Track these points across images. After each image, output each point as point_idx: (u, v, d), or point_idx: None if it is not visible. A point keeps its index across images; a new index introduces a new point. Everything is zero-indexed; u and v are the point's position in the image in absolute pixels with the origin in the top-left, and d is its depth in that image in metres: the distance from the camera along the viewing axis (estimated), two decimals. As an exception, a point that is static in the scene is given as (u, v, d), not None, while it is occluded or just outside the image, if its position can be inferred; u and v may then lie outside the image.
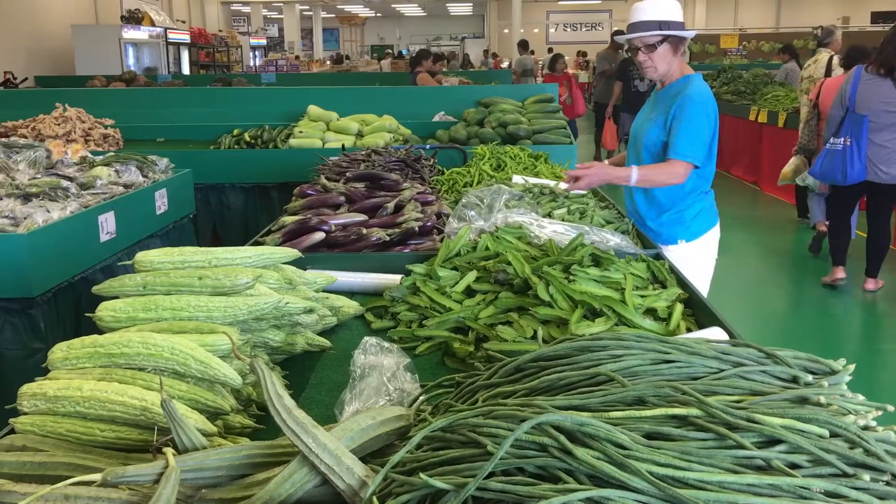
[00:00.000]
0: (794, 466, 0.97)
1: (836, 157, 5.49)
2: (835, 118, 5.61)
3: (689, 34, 2.97)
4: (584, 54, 24.89)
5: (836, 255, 5.96)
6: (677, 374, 1.16)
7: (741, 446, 0.97)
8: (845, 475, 0.97)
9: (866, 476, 0.96)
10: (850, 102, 5.48)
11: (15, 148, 4.00)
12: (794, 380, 1.16)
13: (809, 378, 1.16)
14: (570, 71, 13.55)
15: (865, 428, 1.07)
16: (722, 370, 1.17)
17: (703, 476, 0.92)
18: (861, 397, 1.15)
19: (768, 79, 11.50)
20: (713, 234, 3.16)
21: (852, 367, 1.21)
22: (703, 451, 0.97)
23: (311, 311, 1.80)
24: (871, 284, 5.82)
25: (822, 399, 1.10)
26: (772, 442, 0.99)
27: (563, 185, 3.04)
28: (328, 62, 21.49)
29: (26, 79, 11.46)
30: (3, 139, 4.25)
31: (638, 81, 9.88)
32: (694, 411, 1.02)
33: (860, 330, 5.38)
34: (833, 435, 1.02)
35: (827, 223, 6.40)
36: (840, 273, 5.94)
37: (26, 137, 5.17)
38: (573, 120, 10.60)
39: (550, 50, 25.64)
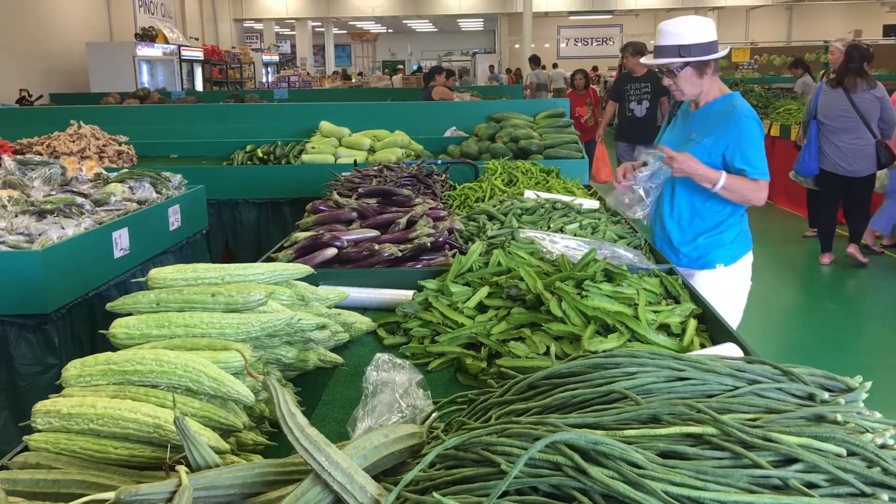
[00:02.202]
0: (812, 486, 0.96)
1: (800, 154, 6.78)
2: (805, 123, 6.87)
3: (715, 55, 2.85)
4: (596, 69, 24.90)
5: (824, 242, 6.89)
6: (692, 391, 1.15)
7: (757, 465, 0.96)
8: (863, 495, 0.96)
9: (885, 495, 0.95)
10: (813, 110, 6.64)
11: (30, 165, 4.04)
12: (811, 397, 1.15)
13: (826, 395, 1.15)
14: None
15: (883, 446, 1.06)
16: (737, 388, 1.16)
17: (720, 496, 0.91)
18: (878, 415, 1.14)
19: (773, 94, 11.55)
20: (750, 258, 3.06)
21: (869, 383, 1.19)
22: (719, 470, 0.96)
23: (323, 327, 1.80)
24: (852, 248, 6.78)
25: (839, 417, 1.08)
26: (788, 461, 0.98)
27: (653, 161, 2.89)
28: (338, 78, 21.63)
29: (41, 96, 11.57)
30: (18, 156, 4.29)
31: (635, 104, 8.30)
32: (709, 429, 1.01)
33: (877, 345, 5.32)
34: (850, 454, 1.01)
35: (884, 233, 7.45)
36: (826, 258, 6.85)
37: (41, 154, 5.22)
38: (593, 140, 9.52)
39: (556, 65, 25.56)
